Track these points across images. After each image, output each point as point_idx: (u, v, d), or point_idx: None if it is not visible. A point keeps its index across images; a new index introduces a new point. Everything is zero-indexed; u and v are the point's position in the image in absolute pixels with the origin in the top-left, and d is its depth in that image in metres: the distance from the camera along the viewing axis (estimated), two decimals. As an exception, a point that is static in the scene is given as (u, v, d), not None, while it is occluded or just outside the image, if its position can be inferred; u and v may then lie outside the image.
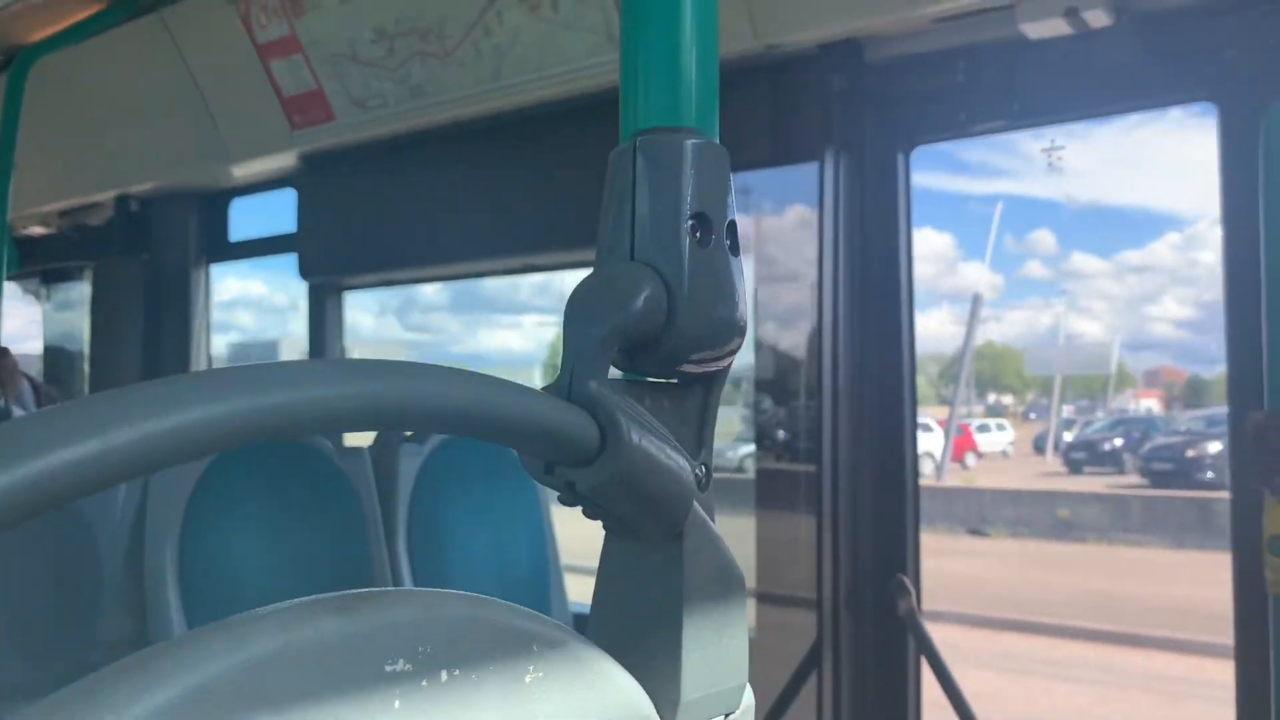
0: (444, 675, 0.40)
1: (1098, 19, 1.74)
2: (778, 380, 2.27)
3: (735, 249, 0.53)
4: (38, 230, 3.82)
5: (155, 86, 2.93)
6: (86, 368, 3.82)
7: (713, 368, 0.54)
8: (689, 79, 0.52)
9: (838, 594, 2.08)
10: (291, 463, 2.15)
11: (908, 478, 2.10)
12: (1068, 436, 21.55)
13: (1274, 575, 1.41)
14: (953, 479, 18.31)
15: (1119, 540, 13.40)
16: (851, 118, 2.10)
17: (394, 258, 2.87)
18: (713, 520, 0.54)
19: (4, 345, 2.99)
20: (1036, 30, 1.78)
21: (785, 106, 2.16)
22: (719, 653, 0.53)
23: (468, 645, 0.42)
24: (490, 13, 2.27)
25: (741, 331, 0.54)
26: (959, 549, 12.72)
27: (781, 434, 2.28)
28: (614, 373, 0.53)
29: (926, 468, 18.64)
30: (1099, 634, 8.82)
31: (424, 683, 0.40)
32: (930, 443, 19.10)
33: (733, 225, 0.53)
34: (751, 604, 2.30)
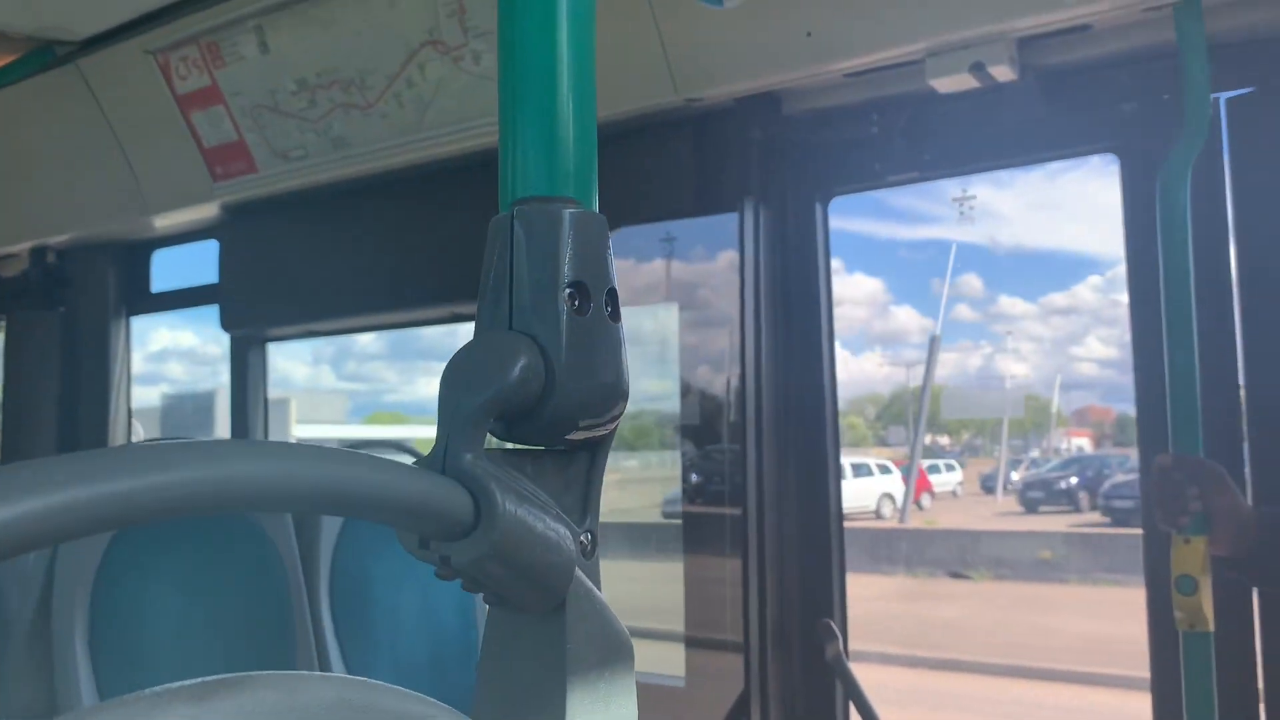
0: (305, 764, 0.39)
1: (1003, 73, 1.80)
2: (703, 425, 2.29)
3: (616, 316, 0.53)
4: (-53, 282, 3.71)
5: (72, 137, 2.88)
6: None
7: (596, 434, 0.54)
8: (566, 148, 0.52)
9: (765, 639, 2.08)
10: (207, 524, 2.09)
11: (832, 521, 2.12)
12: (1015, 476, 21.76)
13: (1181, 613, 1.44)
14: (914, 520, 18.35)
15: (1102, 580, 12.90)
16: (771, 168, 2.14)
17: (317, 308, 2.84)
18: (599, 588, 0.54)
19: None
20: (945, 85, 1.84)
21: (706, 157, 2.19)
22: None
23: None
24: (412, 65, 2.28)
25: (624, 397, 0.54)
26: (943, 593, 12.34)
27: (706, 479, 2.28)
28: (498, 442, 0.53)
29: (886, 509, 18.71)
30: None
31: None
32: (888, 484, 19.18)
33: (613, 292, 0.53)
34: (680, 650, 2.29)
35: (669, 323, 2.34)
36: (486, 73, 2.21)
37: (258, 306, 2.91)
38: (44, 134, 2.97)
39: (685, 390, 2.32)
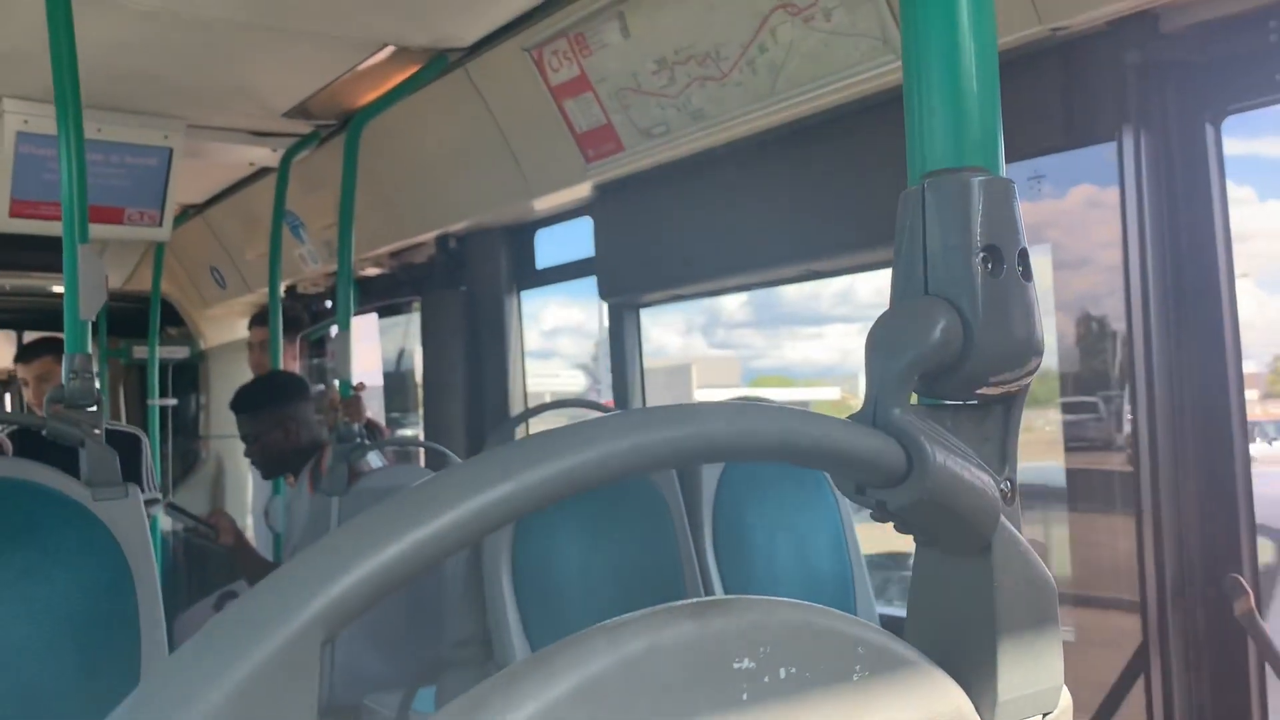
0: (782, 673, 0.47)
1: None
2: (1085, 376, 2.18)
3: (1027, 275, 0.56)
4: (372, 271, 4.30)
5: (464, 134, 3.23)
6: (420, 390, 4.26)
7: (1012, 388, 0.57)
8: (971, 121, 0.56)
9: (1163, 594, 1.97)
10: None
11: (1238, 473, 1.96)
12: None
13: None
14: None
15: None
16: (1151, 91, 1.99)
17: (684, 274, 3.00)
18: (1020, 531, 0.57)
19: (360, 381, 3.37)
20: (1364, -24, 1.62)
21: (1077, 87, 2.07)
22: (1034, 655, 0.56)
23: (801, 647, 0.48)
24: (764, 31, 2.34)
25: (1039, 353, 0.56)
26: None
27: (1092, 432, 2.18)
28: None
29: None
30: None
31: (766, 679, 0.46)
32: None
33: (1024, 253, 0.56)
34: (1069, 608, 2.22)
35: (1041, 267, 2.25)
36: (838, 29, 2.22)
37: (629, 275, 3.13)
38: (441, 134, 3.36)
39: (1063, 338, 2.22)
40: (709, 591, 2.37)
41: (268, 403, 3.20)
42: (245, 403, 3.25)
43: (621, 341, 3.23)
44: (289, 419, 3.21)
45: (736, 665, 0.46)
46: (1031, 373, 0.57)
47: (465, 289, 3.74)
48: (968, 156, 0.55)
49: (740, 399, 2.38)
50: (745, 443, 0.47)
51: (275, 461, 3.27)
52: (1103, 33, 1.98)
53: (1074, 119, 2.08)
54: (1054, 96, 2.09)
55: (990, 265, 0.55)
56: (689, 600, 0.47)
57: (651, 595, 2.47)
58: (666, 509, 2.34)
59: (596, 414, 2.27)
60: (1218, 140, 1.96)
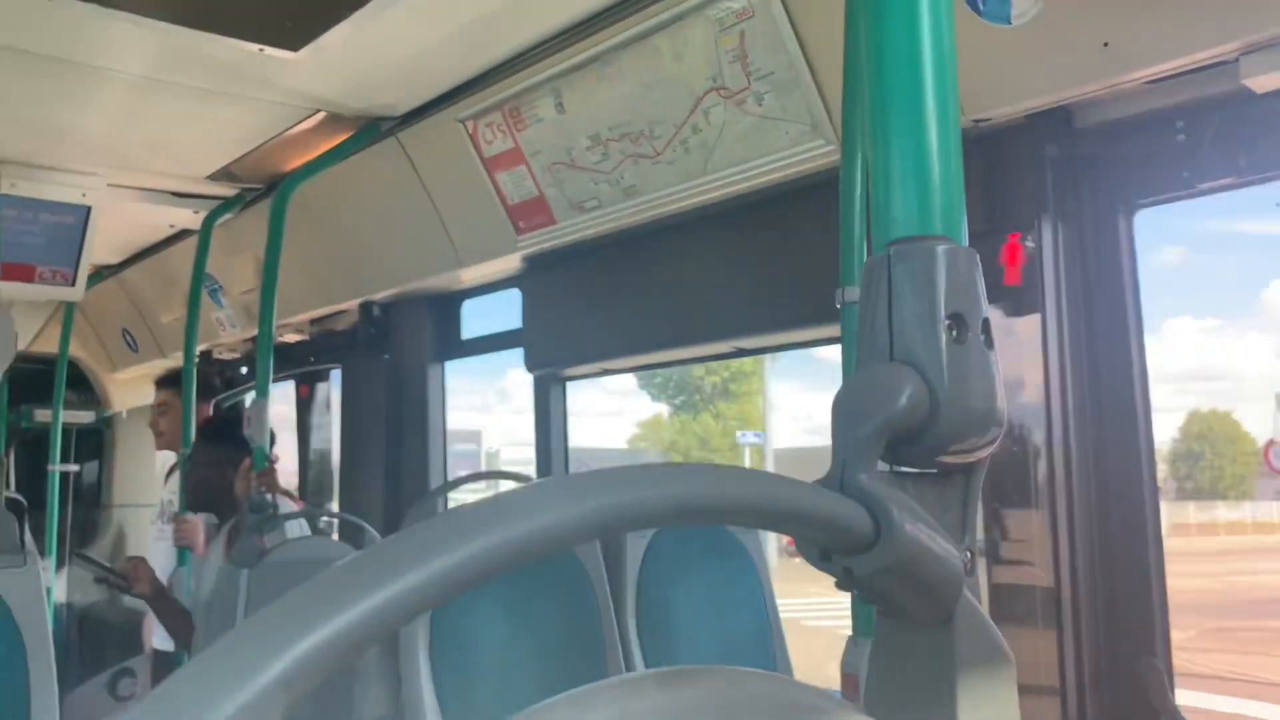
0: (754, 745, 0.45)
1: (1332, 66, 1.66)
2: (1002, 472, 2.22)
3: (990, 344, 0.57)
4: (292, 337, 4.21)
5: (395, 203, 3.21)
6: (336, 458, 4.15)
7: (973, 458, 0.57)
8: (936, 189, 0.57)
9: (1082, 678, 1.99)
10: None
11: (1151, 556, 2.00)
12: None
13: None
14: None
15: None
16: (1066, 184, 2.07)
17: (611, 348, 3.00)
18: (979, 603, 0.57)
19: (275, 453, 3.31)
20: (1262, 84, 1.72)
21: (997, 177, 2.15)
22: None
23: (770, 718, 0.46)
24: (697, 112, 2.39)
25: (1000, 422, 0.57)
26: None
27: (1008, 527, 2.21)
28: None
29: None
30: None
31: None
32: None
33: (986, 322, 0.57)
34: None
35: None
36: (769, 113, 2.28)
37: (557, 347, 3.12)
38: (370, 202, 3.33)
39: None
40: (629, 664, 2.33)
41: (215, 441, 3.21)
42: (202, 431, 3.37)
43: (547, 413, 3.20)
44: (228, 464, 3.22)
45: None
46: (993, 442, 0.57)
47: (388, 358, 3.68)
48: (933, 225, 0.56)
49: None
50: (714, 505, 0.46)
51: (202, 499, 3.31)
52: (1022, 126, 2.07)
53: (995, 208, 2.15)
54: (976, 186, 2.16)
55: (955, 333, 0.55)
56: (659, 669, 0.45)
57: (572, 671, 2.42)
58: (589, 582, 2.30)
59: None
60: (1129, 232, 2.05)
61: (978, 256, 0.57)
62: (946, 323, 0.55)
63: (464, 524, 0.40)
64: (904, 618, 0.56)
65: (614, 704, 0.43)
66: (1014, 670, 0.58)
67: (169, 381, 4.12)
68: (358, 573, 0.36)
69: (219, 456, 3.27)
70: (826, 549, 0.53)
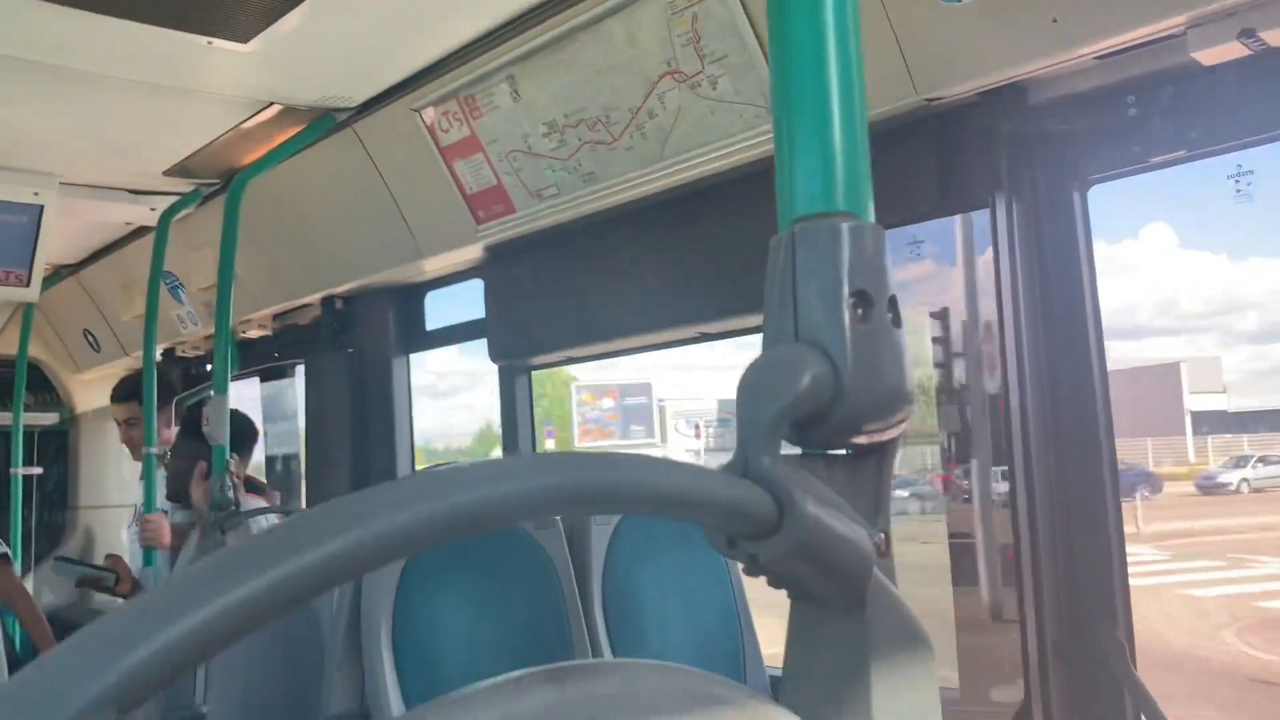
0: (648, 740, 0.44)
1: (1277, 38, 1.66)
2: (963, 438, 2.23)
3: (897, 321, 0.55)
4: (255, 333, 4.17)
5: (353, 195, 3.17)
6: (302, 452, 4.12)
7: (883, 437, 0.56)
8: (840, 166, 0.55)
9: (1044, 651, 2.00)
10: (491, 538, 2.25)
11: (1111, 531, 2.01)
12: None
13: None
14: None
15: None
16: (1021, 160, 2.07)
17: (574, 336, 2.98)
18: (895, 586, 0.56)
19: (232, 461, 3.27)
20: (1210, 56, 1.72)
21: (951, 155, 2.15)
22: (910, 714, 0.54)
23: (668, 714, 0.45)
24: (652, 96, 2.37)
25: (910, 401, 0.56)
26: None
27: (968, 495, 2.22)
28: (790, 449, 0.56)
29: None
30: None
31: None
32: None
33: (893, 299, 0.55)
34: (954, 665, 2.23)
35: (918, 328, 2.31)
36: (723, 96, 2.27)
37: (520, 337, 3.10)
38: (328, 194, 3.30)
39: (940, 402, 2.27)
40: (596, 651, 2.32)
41: (194, 434, 3.19)
42: (185, 422, 3.41)
43: (512, 403, 3.18)
44: (200, 459, 3.21)
45: None
46: (903, 420, 0.56)
47: (352, 351, 3.65)
48: (837, 202, 0.55)
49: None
50: (611, 493, 0.45)
51: (175, 489, 3.33)
52: (975, 104, 2.06)
53: (950, 186, 2.15)
54: (930, 164, 2.16)
55: (860, 311, 0.54)
56: (547, 665, 0.44)
57: (539, 659, 2.40)
58: (554, 570, 2.29)
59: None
60: (1084, 207, 2.05)
61: (883, 233, 0.56)
62: (851, 301, 0.54)
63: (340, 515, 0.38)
64: (816, 603, 0.54)
65: (498, 704, 0.41)
66: (933, 655, 0.57)
67: (127, 393, 4.04)
68: (207, 576, 0.35)
69: (195, 450, 3.24)
70: (733, 536, 0.51)
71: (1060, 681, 2.02)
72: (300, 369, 4.28)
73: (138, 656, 0.31)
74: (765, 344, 0.56)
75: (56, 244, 3.68)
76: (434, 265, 3.26)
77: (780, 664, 0.58)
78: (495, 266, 3.14)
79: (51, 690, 0.31)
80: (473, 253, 3.09)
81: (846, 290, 0.54)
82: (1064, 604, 2.03)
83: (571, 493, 0.43)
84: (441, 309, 3.63)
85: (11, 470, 4.76)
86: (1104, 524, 2.02)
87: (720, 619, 2.48)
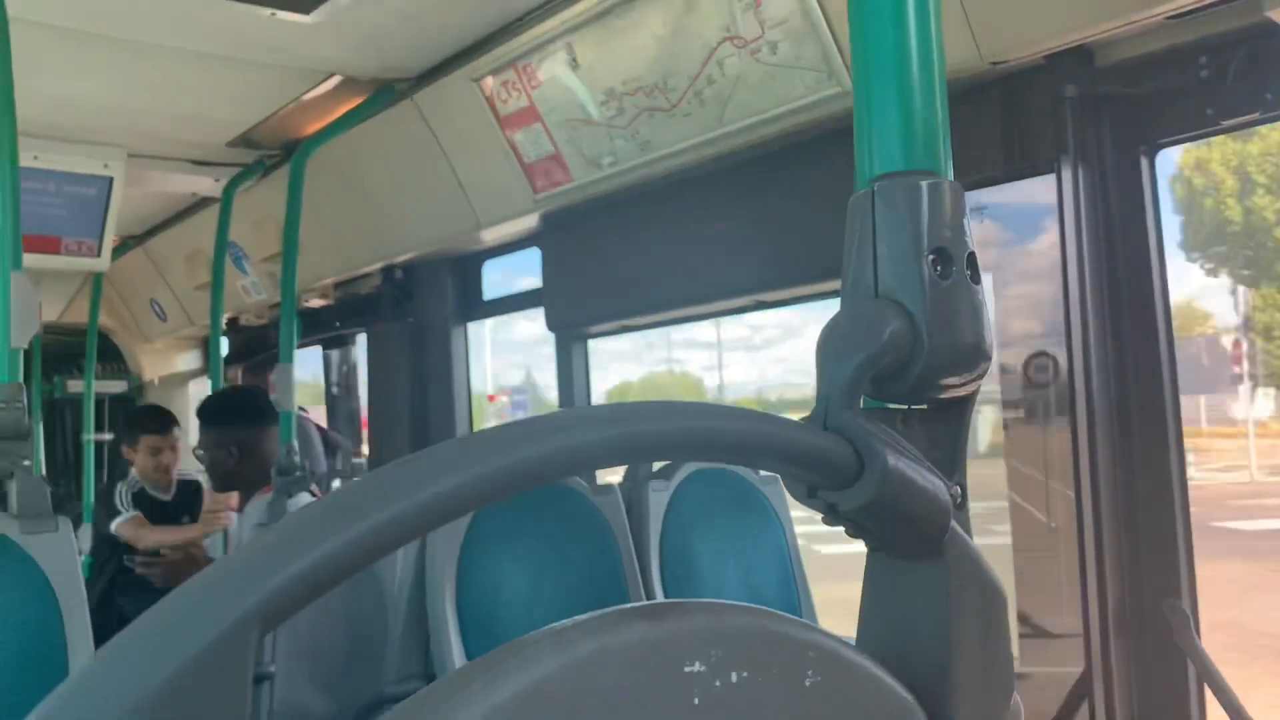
0: (734, 676, 0.46)
1: (1358, -6, 1.62)
2: (1026, 402, 2.21)
3: (976, 278, 0.56)
4: (317, 302, 4.25)
5: (411, 165, 3.21)
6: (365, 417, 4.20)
7: (961, 392, 0.57)
8: (919, 125, 0.56)
9: (1106, 621, 1.99)
10: (551, 504, 2.29)
11: (1176, 500, 1.99)
12: None
13: None
14: None
15: None
16: (1087, 124, 2.04)
17: (631, 304, 3.00)
18: (970, 538, 0.57)
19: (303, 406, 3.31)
20: (1287, 14, 1.68)
21: (1017, 119, 2.12)
22: (985, 661, 0.56)
23: (753, 651, 0.47)
24: (711, 62, 2.37)
25: (987, 357, 0.57)
26: None
27: (1032, 461, 2.21)
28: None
29: None
30: None
31: (717, 683, 0.45)
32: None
33: (972, 256, 0.56)
34: (1014, 633, 2.23)
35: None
36: (784, 61, 2.25)
37: (577, 306, 3.12)
38: (388, 165, 3.33)
39: (1004, 368, 2.25)
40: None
41: (216, 421, 3.14)
42: (201, 413, 3.21)
43: (569, 371, 3.21)
44: (233, 442, 3.11)
45: (688, 669, 0.44)
46: (980, 377, 0.57)
47: (412, 320, 3.71)
48: (916, 160, 0.55)
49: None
50: (697, 440, 0.47)
51: (221, 478, 3.20)
52: (1040, 67, 2.03)
53: (1014, 151, 2.12)
54: (994, 129, 2.13)
55: (939, 268, 0.55)
56: (641, 603, 0.46)
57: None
58: (612, 537, 2.32)
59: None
60: (1152, 171, 2.01)
61: (962, 190, 0.56)
62: (931, 258, 0.54)
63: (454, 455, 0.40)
64: (893, 552, 0.56)
65: (595, 636, 0.43)
66: (1006, 604, 0.58)
67: (158, 423, 3.76)
68: (329, 512, 0.37)
69: (211, 438, 3.15)
70: (813, 485, 0.53)
71: (1122, 652, 2.01)
72: (360, 338, 4.35)
73: (279, 580, 0.34)
74: (844, 300, 0.57)
75: (124, 215, 3.77)
76: (492, 235, 3.29)
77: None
78: (552, 235, 3.16)
79: (201, 609, 0.33)
80: (529, 222, 3.12)
81: (926, 247, 0.54)
82: (1126, 573, 2.02)
83: (662, 438, 0.45)
84: (498, 278, 3.67)
85: (84, 437, 4.91)
86: (1169, 492, 2.00)
87: (777, 582, 2.50)
